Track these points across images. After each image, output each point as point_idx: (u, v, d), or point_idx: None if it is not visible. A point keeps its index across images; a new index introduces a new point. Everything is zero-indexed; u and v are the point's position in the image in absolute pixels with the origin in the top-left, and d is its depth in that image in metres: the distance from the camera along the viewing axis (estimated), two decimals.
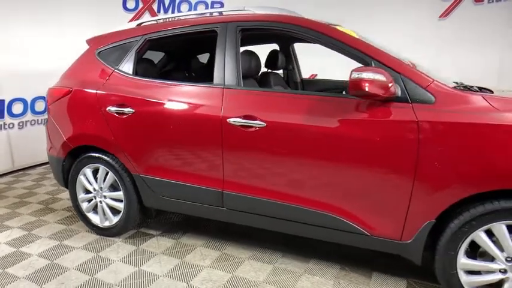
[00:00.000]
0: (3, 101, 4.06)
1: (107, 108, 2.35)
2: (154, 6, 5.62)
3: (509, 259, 1.56)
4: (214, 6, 5.84)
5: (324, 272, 2.11)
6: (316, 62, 4.10)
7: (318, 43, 1.95)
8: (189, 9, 5.81)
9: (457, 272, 1.66)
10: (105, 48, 2.56)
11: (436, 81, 1.67)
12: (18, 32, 4.09)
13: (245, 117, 1.95)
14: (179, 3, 5.76)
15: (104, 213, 2.55)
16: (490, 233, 1.59)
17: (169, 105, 2.18)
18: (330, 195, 1.84)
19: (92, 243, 2.50)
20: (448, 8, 4.92)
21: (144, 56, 2.67)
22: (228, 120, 1.98)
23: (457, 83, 2.23)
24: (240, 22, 2.14)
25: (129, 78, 2.39)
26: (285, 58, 3.02)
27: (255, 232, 2.54)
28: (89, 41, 2.69)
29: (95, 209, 2.61)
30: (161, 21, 2.62)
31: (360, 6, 5.36)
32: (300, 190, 1.90)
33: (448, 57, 4.97)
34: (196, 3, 5.84)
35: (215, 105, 2.05)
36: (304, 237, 2.04)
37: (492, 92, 1.98)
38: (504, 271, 1.58)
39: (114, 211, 2.54)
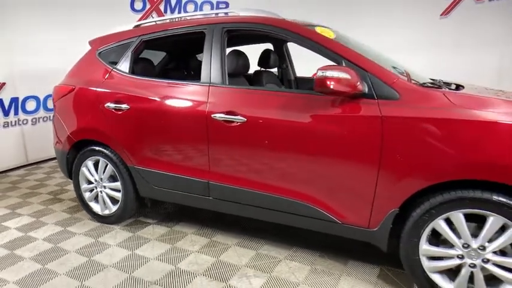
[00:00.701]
0: (17, 98, 4.34)
1: (106, 105, 2.55)
2: (161, 7, 5.83)
3: (466, 245, 1.66)
4: (220, 6, 6.00)
5: (303, 258, 2.25)
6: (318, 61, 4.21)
7: (295, 43, 2.08)
8: (195, 9, 5.99)
9: (419, 258, 1.77)
10: (105, 49, 2.75)
11: (401, 78, 1.78)
12: (32, 34, 4.35)
13: (227, 112, 2.10)
14: (185, 4, 5.94)
15: (104, 203, 2.76)
16: (450, 221, 1.69)
17: (161, 102, 2.36)
18: (303, 185, 1.98)
19: (93, 230, 2.70)
20: (449, 6, 4.93)
21: (142, 56, 2.86)
22: (212, 115, 2.14)
23: (434, 80, 2.33)
24: (225, 24, 2.29)
25: (125, 76, 2.57)
26: (278, 57, 3.15)
27: (244, 221, 2.69)
28: (91, 42, 2.89)
29: (96, 199, 2.82)
30: (157, 23, 2.79)
31: (362, 5, 5.42)
32: (276, 180, 2.04)
33: (449, 55, 4.99)
34: (202, 3, 6.01)
35: (201, 101, 2.20)
36: (292, 227, 2.16)
37: (463, 87, 2.08)
38: (461, 257, 1.68)
39: (113, 200, 2.73)
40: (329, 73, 1.69)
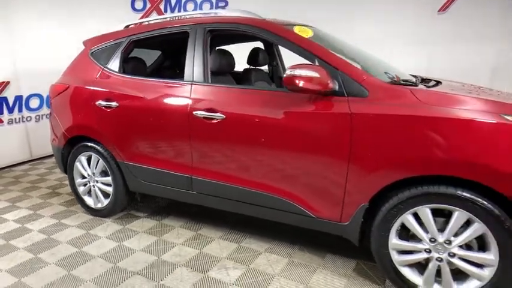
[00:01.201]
0: (21, 96, 4.49)
1: (97, 103, 2.64)
2: (161, 6, 5.92)
3: (433, 240, 1.70)
4: (219, 5, 6.06)
5: (283, 251, 2.31)
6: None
7: (273, 42, 2.13)
8: (195, 8, 6.05)
9: (389, 252, 1.82)
10: (97, 49, 2.85)
11: (370, 76, 1.82)
12: (34, 33, 4.50)
13: (208, 110, 2.17)
14: (185, 3, 6.02)
15: (97, 196, 2.86)
16: (419, 216, 1.73)
17: (147, 100, 2.44)
18: (279, 180, 2.04)
19: (86, 223, 2.82)
20: (447, 1, 4.89)
21: (135, 55, 2.95)
22: (193, 112, 2.21)
23: (415, 76, 2.37)
24: (208, 24, 2.35)
25: (115, 75, 2.67)
26: (268, 55, 3.20)
27: (231, 215, 2.76)
28: (84, 42, 2.99)
29: (89, 193, 2.93)
30: (147, 23, 2.87)
31: (360, 2, 5.41)
32: (254, 175, 2.11)
33: (446, 51, 4.96)
34: (202, 2, 6.07)
35: (184, 99, 2.28)
36: (277, 222, 2.21)
37: (441, 83, 2.11)
38: (429, 251, 1.72)
39: (105, 194, 2.84)
40: (297, 71, 1.75)
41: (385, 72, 2.06)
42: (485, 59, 4.59)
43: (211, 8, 6.07)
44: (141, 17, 5.70)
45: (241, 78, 3.00)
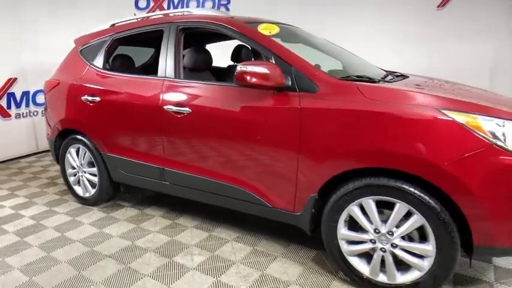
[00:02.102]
0: (28, 92, 4.77)
1: (82, 98, 2.81)
2: (165, 4, 6.08)
3: (377, 231, 1.76)
4: (221, 3, 6.18)
5: (249, 241, 2.41)
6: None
7: (239, 40, 2.22)
8: (197, 6, 6.18)
9: (338, 242, 1.89)
10: (85, 47, 3.02)
11: (321, 72, 1.89)
12: (40, 31, 4.75)
13: (176, 104, 2.29)
14: (188, 1, 6.16)
15: (85, 186, 3.05)
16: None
17: (124, 95, 2.59)
18: (238, 172, 2.13)
19: (74, 210, 3.00)
20: None
21: (124, 52, 3.11)
22: (164, 107, 2.34)
23: (387, 71, 2.42)
24: (180, 22, 2.47)
25: (99, 71, 2.83)
26: (252, 52, 3.28)
27: (210, 207, 2.86)
28: (75, 41, 3.17)
29: (79, 182, 3.11)
30: (130, 21, 3.01)
31: None
32: (216, 167, 2.21)
33: (445, 46, 4.88)
34: (204, 0, 6.21)
35: (156, 94, 2.41)
36: (251, 214, 2.27)
37: (408, 77, 2.17)
38: (374, 241, 1.78)
39: (92, 184, 3.01)
40: (249, 68, 1.83)
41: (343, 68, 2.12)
42: (484, 55, 4.50)
43: (213, 5, 6.20)
44: None
45: (225, 74, 3.10)
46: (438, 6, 4.95)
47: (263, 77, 1.82)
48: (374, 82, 1.94)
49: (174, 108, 2.29)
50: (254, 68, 1.82)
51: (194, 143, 2.28)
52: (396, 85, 1.93)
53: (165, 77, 2.42)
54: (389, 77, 2.27)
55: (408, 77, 2.40)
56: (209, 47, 3.44)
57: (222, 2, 6.21)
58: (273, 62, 1.98)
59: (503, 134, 1.51)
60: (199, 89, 2.27)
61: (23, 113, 4.76)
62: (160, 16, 2.80)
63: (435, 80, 2.36)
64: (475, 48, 4.60)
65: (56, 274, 2.09)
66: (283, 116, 1.89)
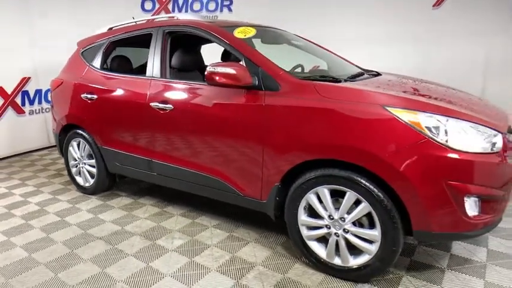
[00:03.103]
0: (40, 90, 5.12)
1: (82, 95, 3.08)
2: (170, 6, 6.34)
3: (331, 217, 1.93)
4: (224, 4, 6.40)
5: (227, 227, 2.61)
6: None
7: (216, 43, 2.41)
8: (201, 7, 6.40)
9: (299, 227, 2.06)
10: (86, 49, 3.29)
11: (284, 72, 2.06)
12: (51, 33, 5.08)
13: (160, 101, 2.51)
14: (191, 3, 6.38)
15: (85, 176, 3.32)
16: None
17: (117, 93, 2.84)
18: (213, 163, 2.34)
19: (75, 198, 3.29)
20: None
21: (120, 54, 3.35)
22: (150, 104, 2.57)
23: (365, 70, 2.59)
24: (165, 26, 2.69)
25: (97, 72, 3.09)
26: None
27: (198, 197, 3.06)
28: (78, 43, 3.45)
29: (80, 173, 3.39)
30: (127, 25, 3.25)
31: None
32: (195, 158, 2.43)
33: (441, 45, 4.94)
34: (208, 1, 6.43)
35: (144, 92, 2.64)
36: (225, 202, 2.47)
37: (380, 75, 2.34)
38: (329, 227, 1.95)
39: (91, 175, 3.28)
40: (218, 69, 2.03)
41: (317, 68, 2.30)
42: (479, 53, 4.54)
43: (216, 7, 6.41)
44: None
45: None
46: (434, 6, 5.00)
47: (230, 77, 2.02)
48: (337, 81, 2.10)
49: (159, 105, 2.51)
50: (222, 69, 2.02)
51: (176, 137, 2.50)
52: (355, 84, 2.08)
53: (152, 76, 2.65)
54: (364, 75, 2.43)
55: (381, 75, 2.55)
56: (210, 47, 3.61)
57: (225, 3, 6.43)
58: (243, 63, 2.17)
59: (445, 130, 1.65)
60: (180, 88, 2.49)
61: (35, 110, 5.12)
62: (161, 19, 3.02)
63: (405, 79, 2.50)
64: (469, 47, 4.64)
65: (52, 252, 2.36)
66: (250, 113, 2.08)
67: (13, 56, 4.75)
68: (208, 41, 3.57)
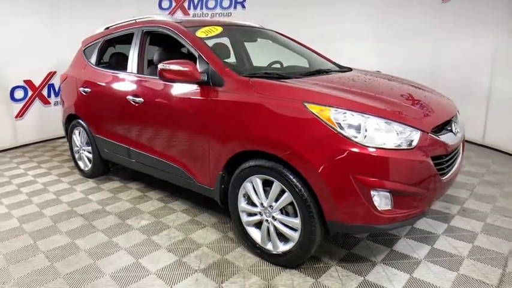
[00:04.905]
0: (53, 84, 5.64)
1: (80, 89, 3.45)
2: (186, 4, 6.65)
3: (262, 205, 2.07)
4: (238, 1, 6.59)
5: (192, 213, 2.83)
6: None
7: (181, 42, 2.61)
8: (215, 5, 6.64)
9: (239, 213, 2.23)
10: (87, 46, 3.66)
11: (229, 69, 2.22)
12: (74, 29, 5.57)
13: (134, 95, 2.78)
14: (206, 1, 6.66)
15: (84, 161, 3.71)
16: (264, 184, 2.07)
17: (104, 87, 3.15)
18: (174, 152, 2.56)
19: (74, 181, 3.69)
20: None
21: (116, 51, 3.69)
22: (127, 97, 2.84)
23: (339, 66, 2.71)
24: (144, 26, 2.94)
25: (93, 67, 3.43)
26: (234, 50, 3.65)
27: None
28: (82, 41, 3.83)
29: (81, 158, 3.79)
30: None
31: None
32: (161, 148, 2.66)
33: (450, 40, 4.76)
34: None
35: (123, 86, 2.92)
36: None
37: (351, 69, 2.45)
38: (261, 214, 2.09)
39: (89, 160, 3.66)
40: (170, 66, 2.22)
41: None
42: (487, 47, 4.31)
43: (230, 4, 6.63)
44: (167, 15, 6.52)
45: None
46: (443, 1, 4.81)
47: (179, 73, 2.21)
48: (285, 78, 2.21)
49: (133, 98, 2.78)
50: (171, 66, 2.22)
51: (146, 128, 2.76)
52: (301, 81, 2.16)
53: (131, 72, 2.92)
54: (329, 72, 2.57)
55: (351, 71, 2.66)
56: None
57: (238, 0, 6.61)
58: (198, 60, 2.35)
59: (355, 126, 1.72)
60: (149, 83, 2.73)
61: (59, 101, 5.66)
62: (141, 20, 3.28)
63: (370, 75, 2.55)
64: (477, 41, 4.43)
65: (38, 224, 2.73)
66: (199, 106, 2.27)
67: (41, 53, 5.30)
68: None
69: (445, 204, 2.84)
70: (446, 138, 1.97)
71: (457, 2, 4.67)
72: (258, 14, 6.25)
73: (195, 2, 6.64)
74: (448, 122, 2.09)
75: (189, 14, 6.65)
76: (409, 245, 2.28)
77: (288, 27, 5.61)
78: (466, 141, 4.67)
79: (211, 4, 6.65)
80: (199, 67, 2.29)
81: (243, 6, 6.62)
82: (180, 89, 2.42)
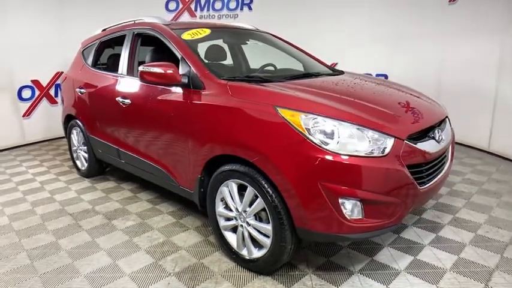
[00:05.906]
0: (60, 84, 5.76)
1: (76, 89, 3.51)
2: (192, 6, 6.69)
3: (238, 210, 2.04)
4: (245, 2, 6.59)
5: (178, 215, 2.83)
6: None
7: (168, 44, 2.62)
8: (222, 7, 6.66)
9: (216, 217, 2.21)
10: (85, 48, 3.73)
11: (209, 73, 2.20)
12: (80, 31, 5.70)
13: (122, 96, 2.81)
14: (213, 2, 6.68)
15: (81, 161, 3.78)
16: (240, 188, 2.05)
17: (97, 88, 3.20)
18: (159, 155, 2.56)
19: (72, 180, 3.76)
20: None
21: (113, 53, 3.74)
22: (116, 98, 2.87)
23: (332, 69, 2.68)
24: (134, 28, 2.97)
25: (88, 69, 3.49)
26: (229, 51, 3.64)
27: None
28: (81, 43, 3.90)
29: (78, 158, 3.86)
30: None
31: None
32: (147, 150, 2.68)
33: (457, 42, 4.61)
34: (229, 0, 6.66)
35: (114, 88, 2.96)
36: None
37: (343, 73, 2.42)
38: (236, 219, 2.07)
39: (86, 159, 3.73)
40: (148, 68, 2.23)
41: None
42: (493, 49, 4.14)
43: (237, 6, 6.63)
44: (174, 16, 6.58)
45: None
46: (450, 2, 4.66)
47: (159, 76, 2.22)
48: (267, 82, 2.18)
49: (121, 100, 2.81)
50: (151, 69, 2.22)
51: (133, 129, 2.78)
52: (277, 85, 2.12)
53: (121, 74, 2.95)
54: (324, 74, 2.57)
55: (342, 73, 2.62)
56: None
57: (245, 2, 6.61)
58: (180, 62, 2.35)
59: (324, 132, 1.67)
60: (136, 84, 2.75)
61: (60, 101, 5.80)
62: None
63: (358, 79, 2.49)
64: (484, 46, 4.27)
65: (27, 222, 2.79)
66: (179, 109, 2.27)
67: (49, 53, 5.45)
68: None
69: (437, 213, 2.74)
70: (426, 145, 1.89)
71: (464, 3, 4.51)
72: (265, 16, 6.24)
73: (202, 4, 6.68)
74: (431, 129, 2.01)
75: (195, 16, 6.68)
76: (391, 255, 2.21)
77: (294, 29, 5.58)
78: (471, 147, 4.53)
79: (218, 6, 6.67)
80: (181, 69, 2.28)
81: (250, 8, 6.60)
82: (162, 91, 2.42)
